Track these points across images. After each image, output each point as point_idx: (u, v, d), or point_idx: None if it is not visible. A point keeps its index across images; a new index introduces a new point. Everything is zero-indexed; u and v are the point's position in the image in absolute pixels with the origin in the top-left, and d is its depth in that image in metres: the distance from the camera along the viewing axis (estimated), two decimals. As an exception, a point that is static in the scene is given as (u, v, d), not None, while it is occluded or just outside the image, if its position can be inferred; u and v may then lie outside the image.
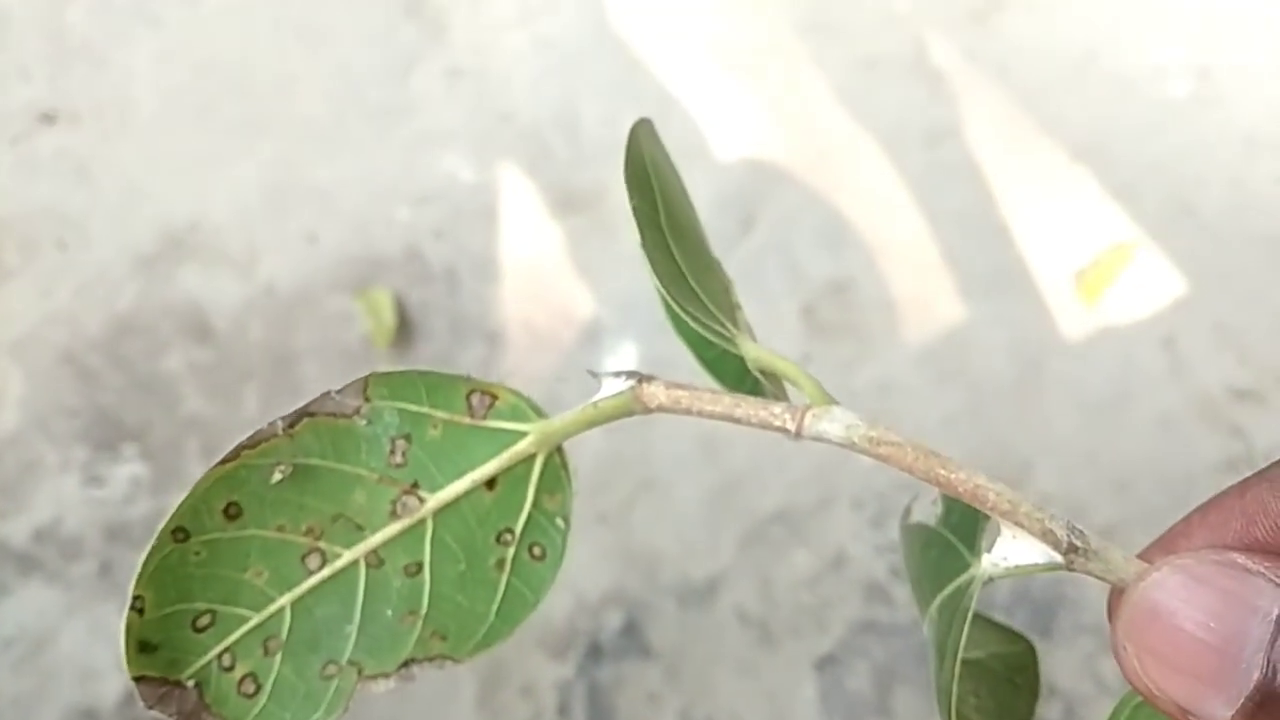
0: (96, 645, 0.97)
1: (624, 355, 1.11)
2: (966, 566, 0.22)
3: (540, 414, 0.22)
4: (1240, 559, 0.19)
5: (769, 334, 0.68)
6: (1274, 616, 0.18)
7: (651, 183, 0.23)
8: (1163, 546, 0.22)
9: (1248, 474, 0.22)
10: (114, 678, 0.95)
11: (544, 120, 1.24)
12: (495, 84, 1.26)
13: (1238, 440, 1.09)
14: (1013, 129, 1.26)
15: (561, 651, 0.97)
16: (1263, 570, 0.18)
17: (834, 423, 0.21)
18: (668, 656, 0.97)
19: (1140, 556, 0.21)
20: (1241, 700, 0.18)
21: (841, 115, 1.26)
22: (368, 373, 0.22)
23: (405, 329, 1.11)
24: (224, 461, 0.21)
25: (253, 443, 0.21)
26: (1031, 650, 0.28)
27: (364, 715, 0.92)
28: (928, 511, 0.24)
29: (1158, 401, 1.11)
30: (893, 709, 0.96)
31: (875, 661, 0.98)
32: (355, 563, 0.21)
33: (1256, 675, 0.17)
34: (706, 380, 0.24)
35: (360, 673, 0.21)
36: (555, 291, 1.14)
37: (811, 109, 1.26)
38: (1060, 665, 0.98)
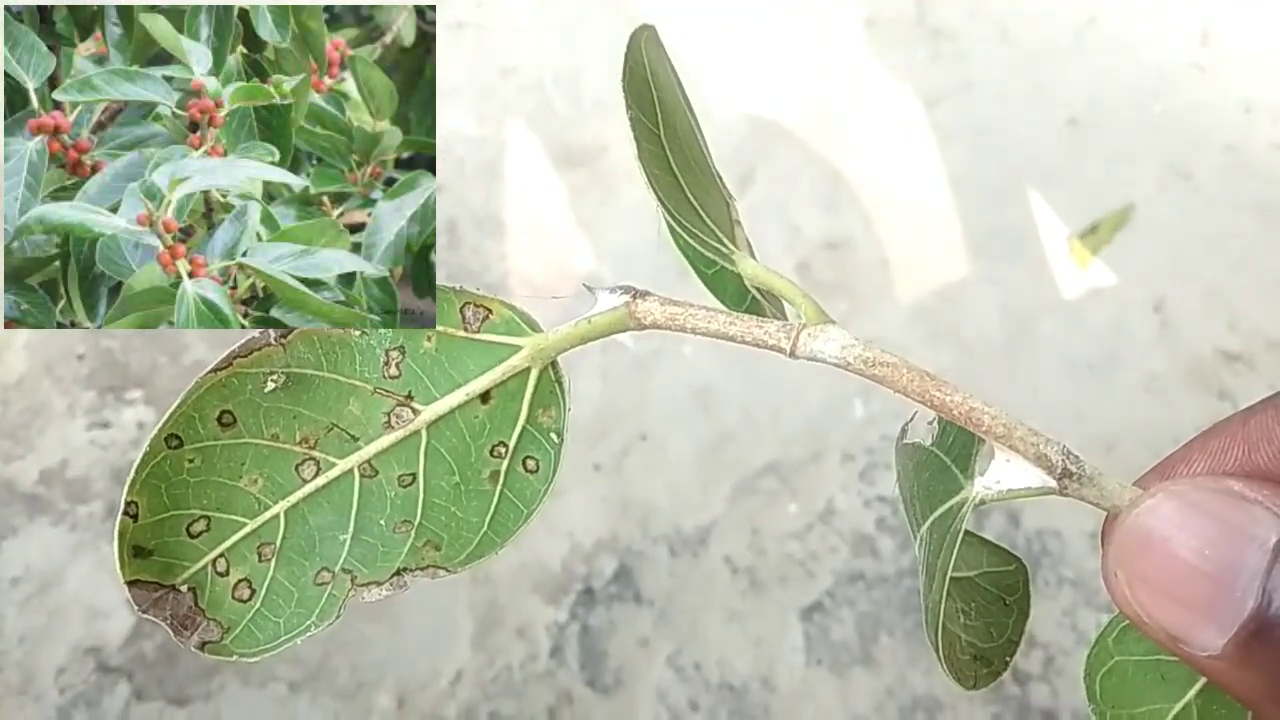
0: (102, 584, 0.96)
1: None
2: (959, 488, 0.21)
3: (535, 328, 0.22)
4: (1238, 486, 0.18)
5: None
6: (1271, 545, 0.17)
7: (651, 92, 0.22)
8: (1161, 473, 0.21)
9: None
10: (120, 616, 0.95)
11: (546, 76, 1.23)
12: (498, 38, 1.25)
13: (1225, 403, 1.09)
14: (1011, 92, 1.25)
15: (556, 596, 0.98)
16: (1260, 498, 0.18)
17: (829, 342, 0.20)
18: (659, 603, 0.98)
19: (1137, 483, 0.19)
20: (1235, 629, 0.17)
21: (842, 75, 1.25)
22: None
23: (406, 280, 1.11)
24: (216, 369, 0.20)
25: (245, 351, 0.21)
26: (1023, 571, 0.27)
27: (363, 654, 0.93)
28: (924, 431, 0.23)
29: (1147, 363, 1.11)
30: (877, 657, 0.97)
31: (861, 611, 0.98)
32: (349, 472, 0.21)
33: (1251, 604, 0.17)
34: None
35: (354, 580, 0.21)
36: (554, 245, 1.14)
37: (813, 68, 1.26)
38: (1041, 618, 0.98)
